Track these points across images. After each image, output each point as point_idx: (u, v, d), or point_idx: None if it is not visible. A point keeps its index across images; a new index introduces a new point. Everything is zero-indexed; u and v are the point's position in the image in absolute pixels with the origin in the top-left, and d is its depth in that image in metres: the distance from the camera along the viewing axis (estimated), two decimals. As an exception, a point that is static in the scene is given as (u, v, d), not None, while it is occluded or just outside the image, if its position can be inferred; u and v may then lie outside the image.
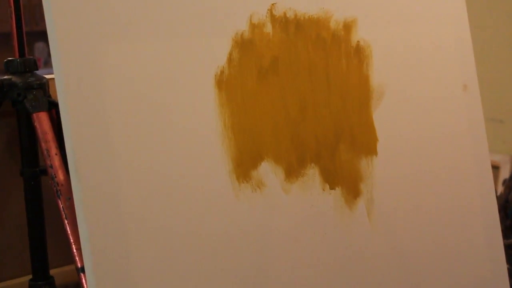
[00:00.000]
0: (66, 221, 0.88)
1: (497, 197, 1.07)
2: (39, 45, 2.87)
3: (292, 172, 0.88)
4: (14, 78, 1.01)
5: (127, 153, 0.77)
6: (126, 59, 0.78)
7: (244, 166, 0.84)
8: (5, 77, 1.02)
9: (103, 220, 0.75)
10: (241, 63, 0.85)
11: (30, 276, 1.07)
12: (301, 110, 0.89)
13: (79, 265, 0.84)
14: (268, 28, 0.86)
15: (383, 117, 0.94)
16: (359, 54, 0.93)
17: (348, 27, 0.92)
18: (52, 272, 1.09)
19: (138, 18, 0.79)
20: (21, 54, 1.04)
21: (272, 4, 0.86)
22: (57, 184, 0.91)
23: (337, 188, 0.91)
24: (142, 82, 0.79)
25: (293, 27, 0.88)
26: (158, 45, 0.80)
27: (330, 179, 0.90)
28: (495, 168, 1.67)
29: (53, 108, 1.01)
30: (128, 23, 0.78)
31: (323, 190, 0.90)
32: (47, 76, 1.05)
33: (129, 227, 0.76)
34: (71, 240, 0.87)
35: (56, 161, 0.93)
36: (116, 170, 0.76)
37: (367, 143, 0.93)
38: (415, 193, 0.97)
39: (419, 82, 0.98)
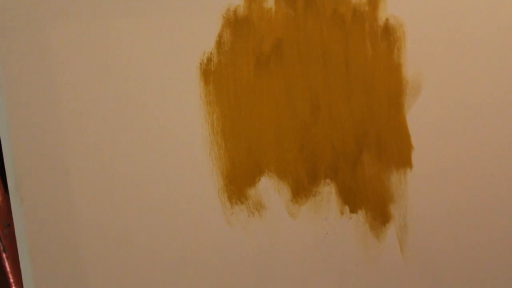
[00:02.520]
0: (4, 255, 0.86)
1: None
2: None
3: (301, 190, 0.86)
4: None
5: (86, 164, 0.76)
6: (84, 41, 0.76)
7: (238, 183, 0.83)
8: None
9: (54, 255, 0.74)
10: (234, 48, 0.82)
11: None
12: (313, 110, 0.86)
13: (21, 313, 0.83)
14: (270, 2, 0.84)
15: (420, 118, 0.91)
16: (388, 36, 0.89)
17: (374, 0, 0.89)
18: (-12, 320, 1.07)
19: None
20: None
21: (275, -29, 0.84)
22: (-7, 206, 0.90)
23: (360, 212, 0.89)
24: (104, 72, 0.77)
25: (302, 1, 0.85)
26: (125, 25, 0.78)
27: (351, 199, 0.88)
28: None
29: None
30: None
31: (342, 213, 0.88)
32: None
33: (88, 264, 0.75)
34: (11, 281, 0.85)
35: (-9, 175, 0.92)
36: (71, 188, 0.75)
37: (399, 153, 0.91)
38: (463, 219, 0.94)
39: (468, 72, 0.94)
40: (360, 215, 0.89)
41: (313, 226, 0.87)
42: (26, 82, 0.74)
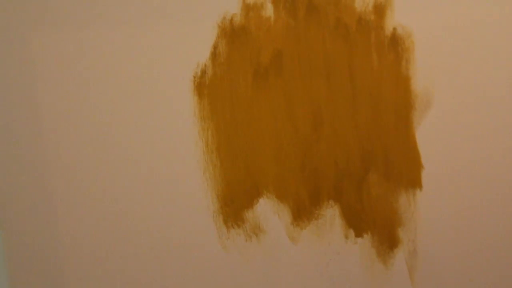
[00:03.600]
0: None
1: None
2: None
3: (302, 212, 0.86)
4: None
5: (70, 189, 0.76)
6: (68, 53, 0.76)
7: (234, 205, 0.83)
8: None
9: (35, 283, 0.74)
10: (230, 60, 0.83)
11: None
12: (315, 126, 0.86)
13: None
14: (269, 11, 0.84)
15: (430, 135, 0.91)
16: (396, 46, 0.89)
17: (380, 9, 0.88)
18: None
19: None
20: None
21: (274, -23, 0.83)
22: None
23: (366, 236, 0.89)
24: (90, 86, 0.77)
25: (303, 10, 0.85)
26: (111, 35, 0.78)
27: (356, 222, 0.88)
28: None
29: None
30: (70, 2, 0.76)
31: (346, 238, 0.88)
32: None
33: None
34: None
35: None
36: (53, 211, 0.75)
37: (407, 172, 0.91)
38: (477, 244, 0.94)
39: (481, 85, 0.93)
40: (366, 240, 0.89)
41: (315, 252, 0.87)
42: (6, 97, 0.74)
